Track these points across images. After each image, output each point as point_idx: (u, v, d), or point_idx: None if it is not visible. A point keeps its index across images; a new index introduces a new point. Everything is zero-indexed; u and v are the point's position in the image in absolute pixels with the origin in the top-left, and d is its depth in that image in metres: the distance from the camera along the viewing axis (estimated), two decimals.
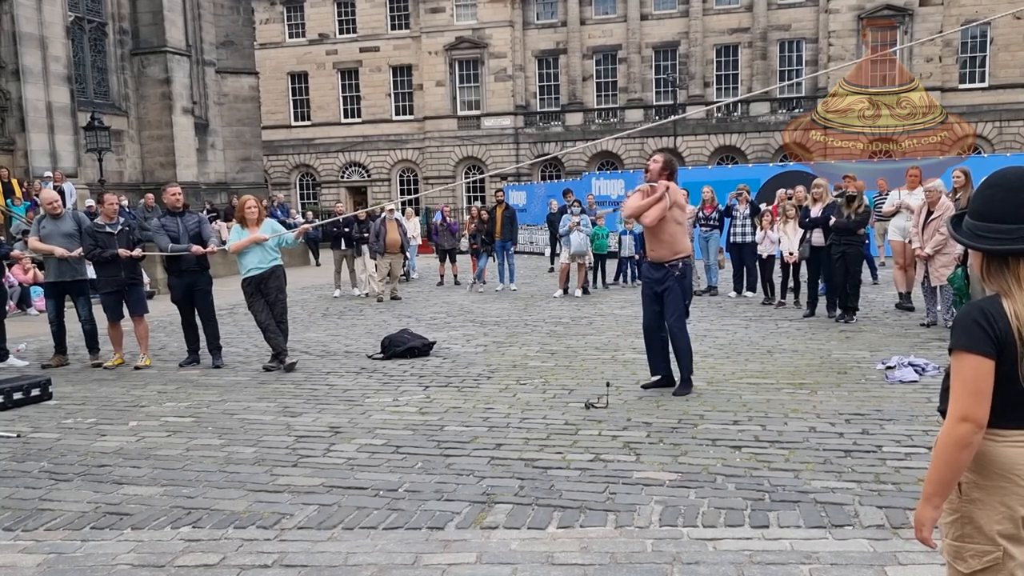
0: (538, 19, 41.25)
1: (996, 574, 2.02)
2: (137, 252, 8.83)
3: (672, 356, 6.87)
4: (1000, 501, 1.99)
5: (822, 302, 10.83)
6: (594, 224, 15.29)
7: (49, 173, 18.28)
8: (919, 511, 2.08)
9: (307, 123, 43.87)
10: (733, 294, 13.43)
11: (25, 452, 5.60)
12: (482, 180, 40.04)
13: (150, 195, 19.81)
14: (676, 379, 6.84)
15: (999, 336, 1.96)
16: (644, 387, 6.89)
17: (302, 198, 43.47)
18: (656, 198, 6.59)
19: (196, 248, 8.64)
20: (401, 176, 43.37)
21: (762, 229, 12.48)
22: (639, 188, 6.96)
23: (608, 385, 6.71)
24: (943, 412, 2.11)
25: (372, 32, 42.52)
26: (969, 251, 2.13)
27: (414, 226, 20.03)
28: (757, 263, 12.89)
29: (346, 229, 15.66)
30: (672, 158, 7.04)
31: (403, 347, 8.77)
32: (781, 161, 29.14)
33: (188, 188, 21.98)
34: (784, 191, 13.64)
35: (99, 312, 8.99)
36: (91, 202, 16.83)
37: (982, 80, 36.81)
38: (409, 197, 25.37)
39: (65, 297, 9.11)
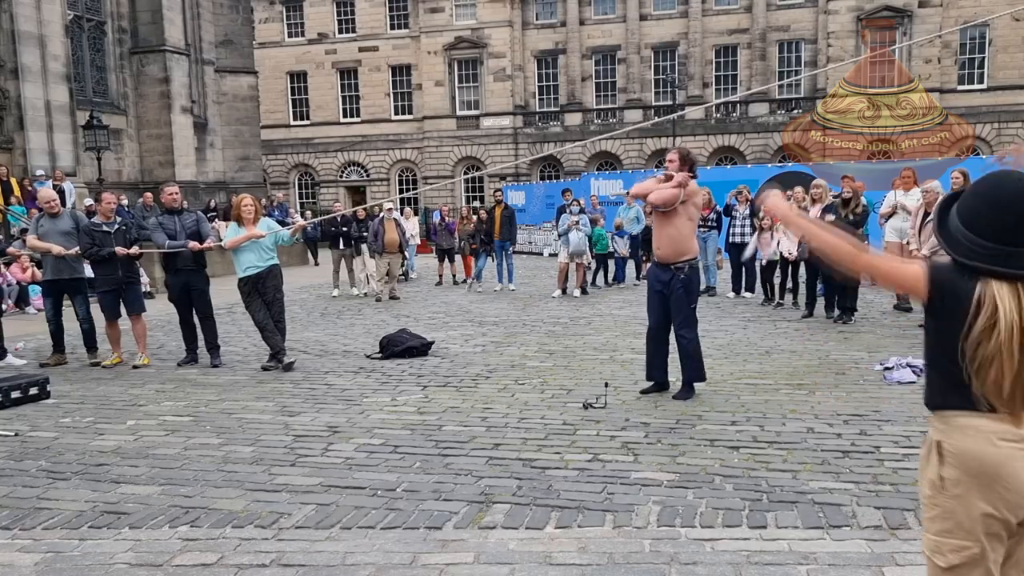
0: (537, 19, 41.25)
1: (973, 569, 2.03)
2: (134, 251, 8.83)
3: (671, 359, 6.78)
4: (980, 498, 2.01)
5: (820, 303, 10.85)
6: (595, 224, 15.30)
7: (42, 172, 18.25)
8: (783, 206, 2.48)
9: (306, 122, 43.84)
10: (732, 295, 13.44)
11: (23, 451, 5.60)
12: (481, 180, 40.06)
13: (149, 194, 19.79)
14: (672, 382, 6.79)
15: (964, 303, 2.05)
16: (643, 392, 6.75)
17: (301, 197, 43.46)
18: (674, 184, 6.37)
19: (193, 244, 8.63)
20: (400, 176, 43.36)
21: (762, 232, 12.37)
22: (657, 176, 6.75)
23: (606, 385, 6.69)
24: (928, 404, 2.14)
25: (371, 32, 42.50)
26: None
27: (413, 226, 20.03)
28: (756, 264, 12.88)
29: (344, 228, 15.66)
30: (689, 151, 6.77)
31: (401, 347, 8.77)
32: (780, 162, 29.17)
33: (187, 187, 22.00)
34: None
35: (97, 311, 8.98)
36: (91, 201, 16.82)
37: (981, 81, 36.84)
38: (407, 195, 25.31)
39: (63, 296, 9.09)
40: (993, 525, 2.02)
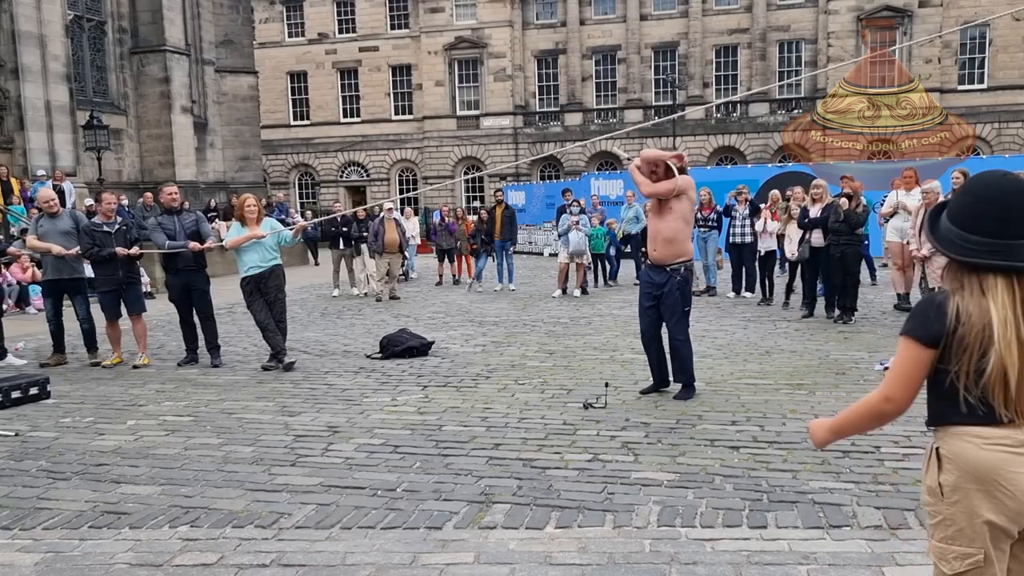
0: (537, 19, 41.25)
1: None
2: (135, 251, 8.83)
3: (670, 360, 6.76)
4: (981, 505, 2.00)
5: (820, 303, 10.84)
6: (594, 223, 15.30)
7: (43, 172, 18.25)
8: (818, 430, 2.35)
9: (306, 122, 43.84)
10: (732, 295, 13.43)
11: (23, 451, 5.60)
12: (481, 180, 40.06)
13: (149, 194, 19.79)
14: (672, 381, 6.78)
15: (943, 330, 2.00)
16: (643, 392, 6.75)
17: (301, 197, 43.46)
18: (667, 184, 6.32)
19: (193, 244, 8.63)
20: (400, 176, 43.37)
21: (760, 221, 12.45)
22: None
23: (606, 385, 6.69)
24: (928, 423, 2.14)
25: (371, 32, 42.51)
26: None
27: (413, 226, 20.04)
28: (756, 264, 12.88)
29: (344, 229, 15.67)
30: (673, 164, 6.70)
31: (402, 347, 8.77)
32: (780, 162, 29.18)
33: (187, 187, 22.03)
34: (775, 192, 13.62)
35: (97, 311, 8.98)
36: (91, 201, 16.82)
37: (981, 81, 36.84)
38: (407, 195, 25.30)
39: (63, 296, 9.09)
40: (996, 533, 2.00)
